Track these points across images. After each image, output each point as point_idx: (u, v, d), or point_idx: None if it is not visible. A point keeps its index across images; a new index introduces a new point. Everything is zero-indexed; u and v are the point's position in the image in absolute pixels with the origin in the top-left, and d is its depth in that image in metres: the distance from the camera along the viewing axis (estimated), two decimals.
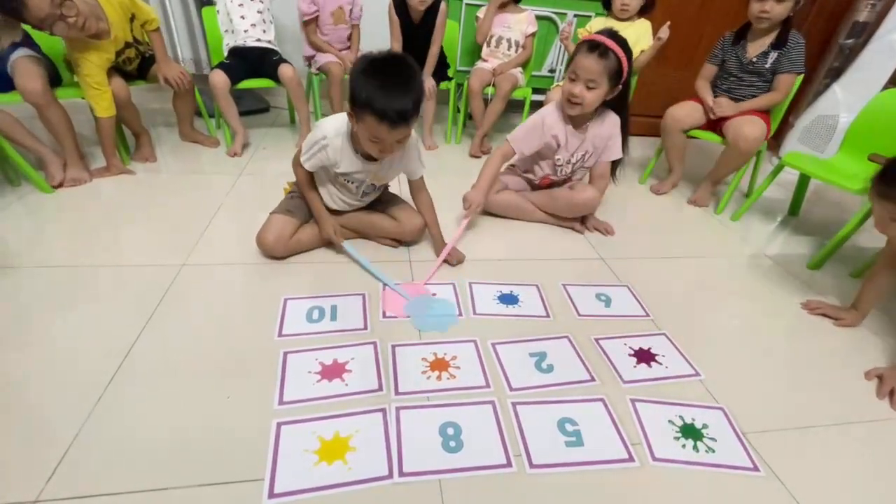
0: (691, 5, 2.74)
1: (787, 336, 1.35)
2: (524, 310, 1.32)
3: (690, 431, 0.99)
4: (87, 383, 0.96)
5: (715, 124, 2.06)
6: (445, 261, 1.48)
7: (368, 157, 1.34)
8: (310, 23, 2.31)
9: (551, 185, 1.81)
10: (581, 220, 1.80)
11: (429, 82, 2.35)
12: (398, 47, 2.31)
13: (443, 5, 2.29)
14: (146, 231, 1.56)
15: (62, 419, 0.89)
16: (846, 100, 2.49)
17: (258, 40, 2.28)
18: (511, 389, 1.05)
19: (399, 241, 1.56)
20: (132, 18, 1.86)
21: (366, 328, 1.19)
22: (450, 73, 2.54)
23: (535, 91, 2.70)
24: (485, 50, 2.48)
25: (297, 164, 1.40)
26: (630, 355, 1.19)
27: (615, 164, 1.73)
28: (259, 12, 2.28)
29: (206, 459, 0.84)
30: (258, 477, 0.82)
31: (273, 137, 2.47)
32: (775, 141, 2.72)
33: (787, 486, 0.90)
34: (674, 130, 2.11)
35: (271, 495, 0.79)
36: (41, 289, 1.24)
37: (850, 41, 2.59)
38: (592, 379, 1.10)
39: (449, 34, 2.43)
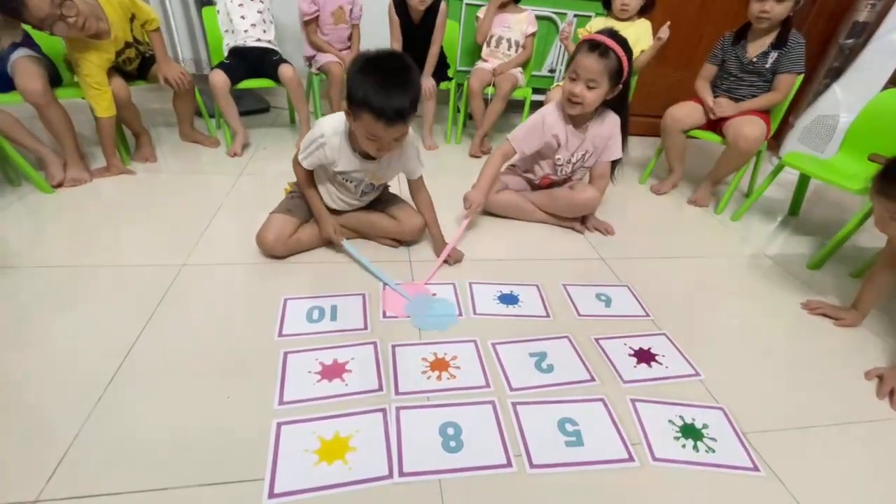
0: (691, 5, 2.74)
1: (787, 336, 1.35)
2: (524, 310, 1.32)
3: (690, 431, 0.99)
4: (87, 383, 0.96)
5: (715, 124, 2.06)
6: (444, 261, 1.49)
7: (366, 156, 1.34)
8: (310, 22, 2.31)
9: (551, 184, 1.81)
10: (581, 220, 1.80)
11: (429, 82, 2.35)
12: (398, 47, 2.31)
13: (443, 5, 2.29)
14: (146, 231, 1.56)
15: (62, 419, 0.89)
16: (846, 100, 2.49)
17: (258, 40, 2.28)
18: (511, 389, 1.05)
19: (399, 241, 1.56)
20: (132, 18, 1.86)
21: (366, 328, 1.19)
22: (450, 73, 2.54)
23: (536, 91, 2.70)
24: (485, 50, 2.48)
25: (296, 162, 1.41)
26: (630, 355, 1.19)
27: (614, 164, 1.73)
28: (259, 12, 2.28)
29: (206, 459, 0.84)
30: (258, 477, 0.82)
31: (273, 137, 2.47)
32: (775, 141, 2.72)
33: (787, 486, 0.90)
34: (674, 130, 2.11)
35: (271, 495, 0.79)
36: (41, 289, 1.24)
37: (850, 41, 2.59)
38: (592, 379, 1.10)
39: (449, 34, 2.43)
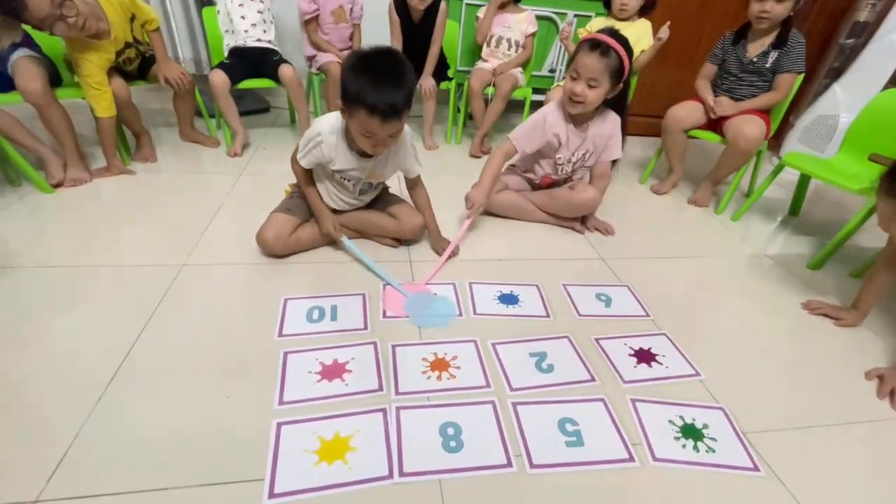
0: (691, 5, 2.74)
1: (787, 336, 1.35)
2: (524, 310, 1.32)
3: (691, 431, 0.99)
4: (87, 383, 0.96)
5: (715, 124, 2.06)
6: (436, 252, 1.51)
7: (363, 155, 1.35)
8: (310, 22, 2.31)
9: (552, 184, 1.81)
10: (581, 220, 1.80)
11: (429, 82, 2.35)
12: (398, 47, 2.31)
13: (443, 5, 2.29)
14: (146, 231, 1.56)
15: (62, 419, 0.89)
16: (846, 100, 2.49)
17: (258, 40, 2.28)
18: (511, 389, 1.05)
19: (399, 241, 1.56)
20: (132, 18, 1.86)
21: (366, 328, 1.19)
22: (450, 73, 2.54)
23: (536, 91, 2.70)
24: (485, 50, 2.48)
25: (295, 160, 1.41)
26: (630, 355, 1.19)
27: (612, 164, 1.73)
28: (259, 12, 2.28)
29: (207, 459, 0.84)
30: (258, 477, 0.82)
31: (273, 137, 2.47)
32: (776, 141, 2.71)
33: (787, 486, 0.90)
34: (675, 130, 2.11)
35: (271, 495, 0.79)
36: (41, 289, 1.24)
37: (850, 41, 2.59)
38: (593, 379, 1.10)
39: (449, 34, 2.43)
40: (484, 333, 1.21)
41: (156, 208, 1.70)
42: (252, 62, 2.24)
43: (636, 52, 1.88)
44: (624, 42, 1.47)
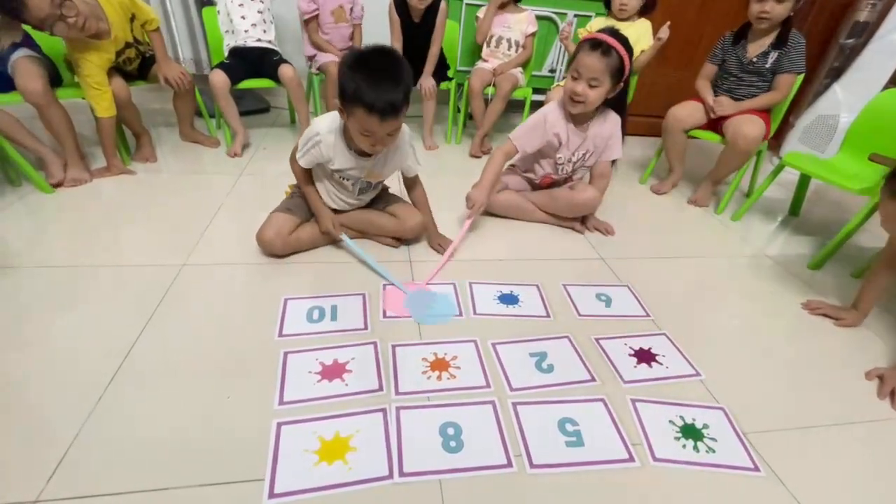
0: (691, 5, 2.74)
1: (787, 336, 1.35)
2: (524, 310, 1.32)
3: (691, 431, 0.99)
4: (87, 383, 0.96)
5: (715, 124, 2.06)
6: (434, 248, 1.52)
7: (362, 154, 1.35)
8: (310, 21, 2.31)
9: (552, 184, 1.81)
10: (581, 220, 1.80)
11: (429, 82, 2.35)
12: (399, 47, 2.31)
13: (443, 5, 2.29)
14: (146, 231, 1.56)
15: (62, 419, 0.89)
16: (847, 100, 2.49)
17: (258, 40, 2.28)
18: (511, 389, 1.05)
19: (399, 240, 1.56)
20: (132, 18, 1.86)
21: (366, 328, 1.19)
22: (450, 73, 2.54)
23: (536, 91, 2.70)
24: (485, 50, 2.48)
25: (293, 159, 1.42)
26: (630, 355, 1.19)
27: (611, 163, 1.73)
28: (259, 12, 2.28)
29: (207, 459, 0.84)
30: (258, 477, 0.81)
31: (273, 138, 2.48)
32: (776, 141, 2.71)
33: (787, 486, 0.90)
34: (675, 130, 2.11)
35: (271, 495, 0.79)
36: (41, 289, 1.24)
37: (850, 41, 2.59)
38: (593, 379, 1.10)
39: (449, 34, 2.43)
40: (484, 333, 1.21)
41: (156, 208, 1.70)
42: (252, 62, 2.24)
43: (636, 52, 1.88)
44: (624, 41, 1.47)
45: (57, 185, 1.75)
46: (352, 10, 2.37)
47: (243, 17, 2.25)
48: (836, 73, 2.62)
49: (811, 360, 1.25)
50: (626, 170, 2.48)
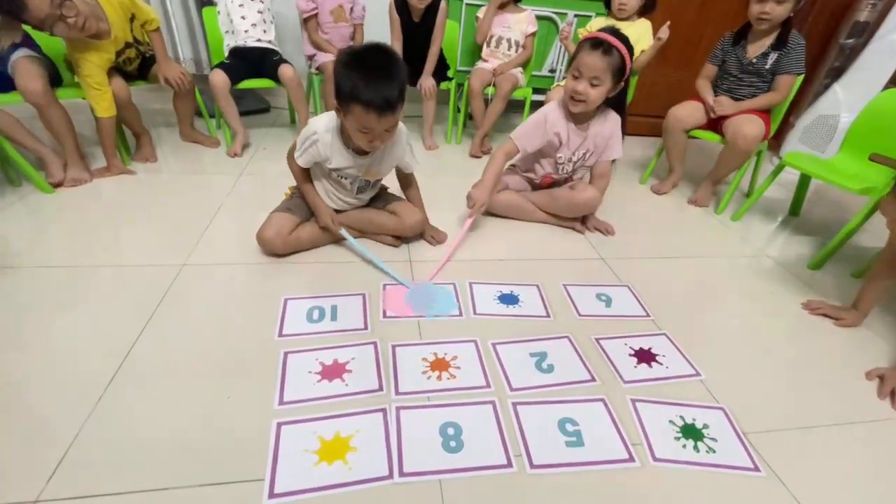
0: (691, 6, 2.74)
1: (787, 336, 1.35)
2: (524, 310, 1.32)
3: (691, 432, 0.99)
4: (87, 383, 0.96)
5: (715, 124, 2.06)
6: (427, 241, 1.55)
7: (359, 152, 1.36)
8: (310, 20, 2.31)
9: (552, 184, 1.81)
10: (581, 220, 1.80)
11: (429, 82, 2.35)
12: (398, 46, 2.31)
13: (443, 4, 2.29)
14: (146, 231, 1.56)
15: (62, 419, 0.89)
16: (847, 100, 2.49)
17: (258, 40, 2.28)
18: (511, 389, 1.05)
19: (399, 239, 1.56)
20: (132, 18, 1.86)
21: (366, 328, 1.19)
22: (450, 73, 2.54)
23: (536, 91, 2.70)
24: (485, 50, 2.48)
25: (290, 156, 1.43)
26: (630, 355, 1.19)
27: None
28: (259, 12, 2.28)
29: (207, 459, 0.84)
30: (258, 477, 0.81)
31: (273, 138, 2.48)
32: (776, 141, 2.71)
33: (787, 486, 0.90)
34: (676, 130, 2.11)
35: (271, 495, 0.79)
36: (41, 289, 1.24)
37: (850, 41, 2.59)
38: (593, 379, 1.10)
39: (449, 34, 2.43)
40: (484, 333, 1.21)
41: (156, 208, 1.70)
42: (252, 62, 2.24)
43: (636, 52, 1.88)
44: (625, 40, 1.47)
45: (57, 185, 1.75)
46: (352, 9, 2.36)
47: (243, 18, 2.25)
48: (837, 73, 2.62)
49: (811, 360, 1.25)
50: (626, 170, 2.48)
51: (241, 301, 1.26)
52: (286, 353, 1.08)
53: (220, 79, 2.08)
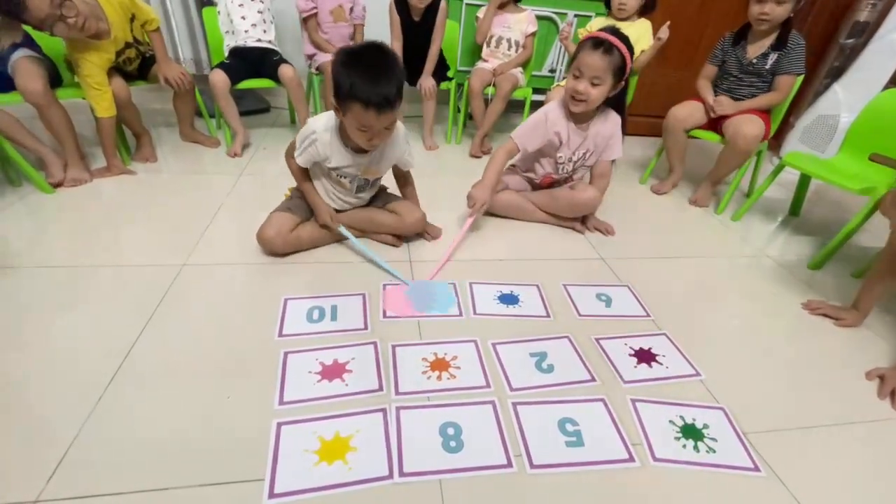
0: (691, 5, 2.74)
1: (787, 336, 1.35)
2: (524, 310, 1.32)
3: (691, 432, 0.99)
4: (87, 383, 0.96)
5: (715, 124, 2.06)
6: (421, 236, 1.55)
7: (358, 151, 1.36)
8: (309, 19, 2.31)
9: (552, 184, 1.81)
10: (581, 220, 1.80)
11: (429, 82, 2.35)
12: (398, 46, 2.31)
13: (443, 4, 2.29)
14: (147, 231, 1.56)
15: (62, 419, 0.89)
16: (847, 100, 2.49)
17: (258, 40, 2.28)
18: (511, 389, 1.05)
19: (399, 238, 1.56)
20: (132, 18, 1.86)
21: (366, 328, 1.19)
22: (450, 73, 2.54)
23: (536, 91, 2.70)
24: (485, 50, 2.48)
25: (289, 155, 1.43)
26: (630, 355, 1.19)
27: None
28: (259, 12, 2.28)
29: (207, 459, 0.84)
30: (258, 477, 0.81)
31: (273, 138, 2.48)
32: (776, 141, 2.71)
33: (787, 486, 0.90)
34: (676, 130, 2.11)
35: (271, 495, 0.79)
36: (41, 289, 1.24)
37: (850, 41, 2.59)
38: (593, 379, 1.10)
39: (449, 34, 2.43)
40: (484, 333, 1.21)
41: (156, 208, 1.70)
42: (252, 62, 2.24)
43: (636, 51, 1.88)
44: (625, 40, 1.47)
45: (57, 185, 1.75)
46: (352, 9, 2.37)
47: (243, 18, 2.25)
48: (837, 73, 2.62)
49: (811, 360, 1.25)
50: (626, 170, 2.48)
51: (241, 301, 1.26)
52: (286, 353, 1.08)
53: (220, 79, 2.08)
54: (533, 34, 2.42)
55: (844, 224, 1.66)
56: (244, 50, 2.25)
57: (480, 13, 2.43)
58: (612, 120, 1.65)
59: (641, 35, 2.17)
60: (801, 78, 1.92)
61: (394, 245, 1.55)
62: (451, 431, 0.93)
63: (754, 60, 1.94)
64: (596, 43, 1.46)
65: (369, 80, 1.15)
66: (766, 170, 2.18)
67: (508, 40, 2.41)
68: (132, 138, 2.10)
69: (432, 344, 1.16)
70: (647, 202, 2.15)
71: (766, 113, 1.99)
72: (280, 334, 1.15)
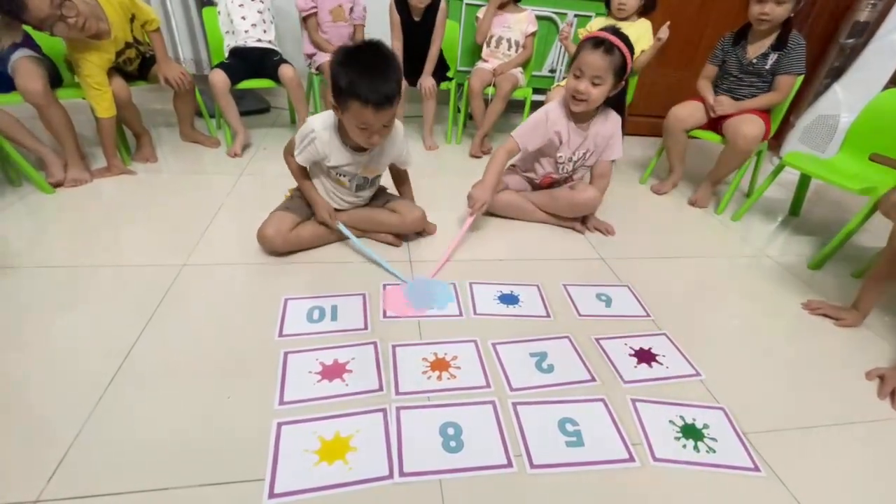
0: (691, 5, 2.74)
1: (787, 336, 1.35)
2: (525, 310, 1.32)
3: (691, 431, 0.99)
4: (87, 383, 0.96)
5: (716, 124, 2.06)
6: (421, 235, 1.56)
7: (357, 149, 1.37)
8: (308, 18, 2.31)
9: (552, 184, 1.81)
10: (582, 221, 1.80)
11: (429, 82, 2.35)
12: (399, 46, 2.31)
13: (443, 4, 2.29)
14: (147, 231, 1.56)
15: (63, 419, 0.89)
16: (847, 99, 2.49)
17: (259, 41, 2.28)
18: (511, 389, 1.05)
19: (400, 237, 1.57)
20: (132, 19, 1.86)
21: (366, 328, 1.19)
22: (450, 73, 2.54)
23: (536, 91, 2.70)
24: (485, 50, 2.48)
25: (287, 152, 1.44)
26: (630, 355, 1.19)
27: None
28: (259, 12, 2.28)
29: (207, 459, 0.84)
30: (258, 477, 0.81)
31: (273, 138, 2.48)
32: (776, 141, 2.71)
33: (787, 486, 0.90)
34: (676, 130, 2.11)
35: (272, 495, 0.79)
36: (41, 289, 1.24)
37: (850, 41, 2.59)
38: (593, 379, 1.10)
39: (449, 34, 2.43)
40: (484, 333, 1.21)
41: (156, 208, 1.70)
42: (252, 62, 2.25)
43: (636, 51, 1.88)
44: (626, 39, 1.47)
45: (57, 186, 1.75)
46: (352, 10, 2.36)
47: (243, 18, 2.25)
48: (837, 73, 2.62)
49: (811, 360, 1.25)
50: (626, 170, 2.48)
51: (241, 301, 1.26)
52: (286, 353, 1.08)
53: (219, 78, 2.08)
54: (533, 34, 2.42)
55: (844, 224, 1.66)
56: (244, 50, 2.25)
57: (480, 13, 2.43)
58: (613, 120, 1.65)
59: (641, 35, 2.17)
60: (801, 78, 1.92)
61: (394, 245, 1.56)
62: (451, 431, 0.93)
63: (754, 60, 1.94)
64: (597, 42, 1.46)
65: (367, 78, 1.16)
66: (766, 170, 2.18)
67: (508, 40, 2.41)
68: (132, 138, 2.10)
69: (432, 344, 1.16)
70: (647, 202, 2.15)
71: (766, 113, 1.99)
72: (280, 334, 1.15)
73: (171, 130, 2.37)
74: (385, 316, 1.24)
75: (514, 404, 1.01)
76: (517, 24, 2.39)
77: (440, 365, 1.09)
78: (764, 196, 2.02)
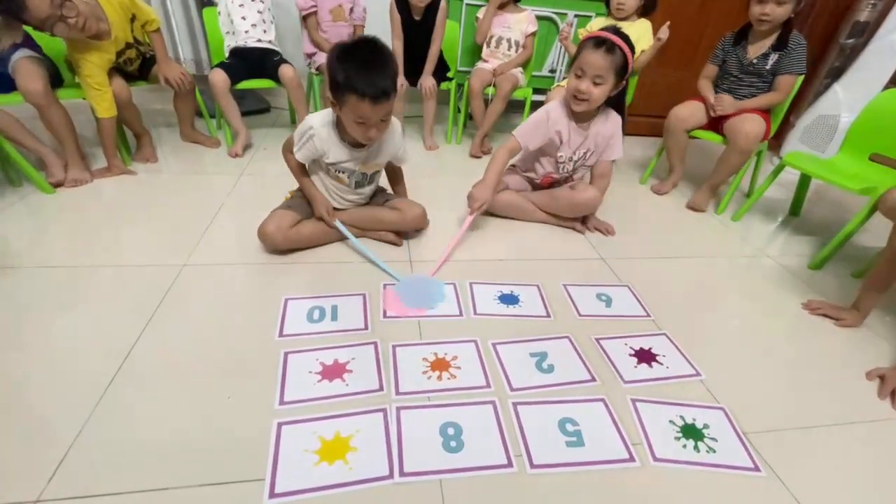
0: (691, 5, 2.74)
1: (787, 336, 1.35)
2: (525, 310, 1.32)
3: (691, 431, 0.99)
4: (87, 383, 0.96)
5: (716, 124, 2.06)
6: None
7: (355, 145, 1.38)
8: (308, 17, 2.31)
9: (552, 184, 1.81)
10: (582, 221, 1.80)
11: (429, 82, 2.35)
12: (399, 45, 2.31)
13: (443, 3, 2.29)
14: (147, 231, 1.56)
15: (63, 419, 0.89)
16: (847, 99, 2.49)
17: (259, 41, 2.28)
18: (512, 389, 1.05)
19: (400, 236, 1.57)
20: (133, 19, 1.86)
21: (366, 328, 1.19)
22: (450, 73, 2.54)
23: (536, 91, 2.70)
24: (485, 50, 2.48)
25: (286, 149, 1.46)
26: (631, 355, 1.19)
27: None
28: (259, 12, 2.28)
29: (207, 459, 0.84)
30: (259, 477, 0.82)
31: (274, 138, 2.48)
32: (776, 141, 2.71)
33: (787, 486, 0.90)
34: (677, 130, 2.11)
35: (272, 495, 0.79)
36: (41, 289, 1.24)
37: (850, 41, 2.59)
38: (593, 379, 1.10)
39: (449, 34, 2.43)
40: (484, 333, 1.21)
41: (156, 208, 1.70)
42: (252, 62, 2.25)
43: (636, 51, 1.88)
44: (626, 39, 1.48)
45: (57, 186, 1.75)
46: (352, 10, 2.36)
47: (244, 18, 2.25)
48: (837, 73, 2.62)
49: (811, 360, 1.25)
50: (627, 170, 2.48)
51: (241, 301, 1.26)
52: (286, 354, 1.08)
53: (219, 78, 2.08)
54: (533, 34, 2.42)
55: (844, 224, 1.66)
56: (244, 50, 2.25)
57: (480, 13, 2.43)
58: (613, 120, 1.65)
59: (641, 35, 2.17)
60: (801, 78, 1.92)
61: (395, 243, 1.56)
62: (451, 431, 0.93)
63: (755, 60, 1.94)
64: (598, 42, 1.46)
65: (364, 72, 1.17)
66: (767, 170, 2.18)
67: (508, 40, 2.41)
68: (133, 138, 2.10)
69: (432, 344, 1.16)
70: (647, 202, 2.15)
71: (766, 112, 1.99)
72: (280, 334, 1.15)
73: (171, 130, 2.37)
74: (385, 316, 1.24)
75: (515, 404, 1.01)
76: (517, 25, 2.39)
77: (440, 365, 1.09)
78: (764, 196, 2.02)
